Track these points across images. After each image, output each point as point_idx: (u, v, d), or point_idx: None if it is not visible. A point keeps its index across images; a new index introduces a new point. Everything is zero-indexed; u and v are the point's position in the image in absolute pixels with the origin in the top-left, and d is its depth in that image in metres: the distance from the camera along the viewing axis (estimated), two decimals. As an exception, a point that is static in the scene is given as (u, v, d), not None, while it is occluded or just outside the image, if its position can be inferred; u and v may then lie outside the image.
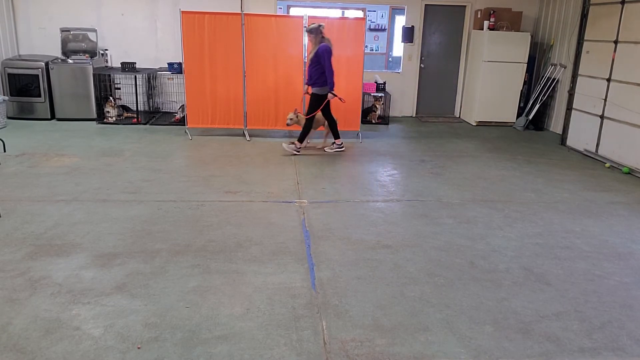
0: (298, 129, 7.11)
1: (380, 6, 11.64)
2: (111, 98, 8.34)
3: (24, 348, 2.70)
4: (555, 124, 8.93)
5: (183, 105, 8.20)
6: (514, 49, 8.89)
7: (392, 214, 4.81)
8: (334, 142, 7.06)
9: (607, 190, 5.79)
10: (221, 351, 2.74)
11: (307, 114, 6.81)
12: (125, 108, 8.69)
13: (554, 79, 8.88)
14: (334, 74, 6.57)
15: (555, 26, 9.08)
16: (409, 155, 7.03)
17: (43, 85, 8.19)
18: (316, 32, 6.48)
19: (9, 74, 8.13)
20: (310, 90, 6.73)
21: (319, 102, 6.69)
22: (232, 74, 7.49)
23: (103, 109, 8.37)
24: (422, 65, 9.89)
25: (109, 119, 8.32)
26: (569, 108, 7.94)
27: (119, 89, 8.75)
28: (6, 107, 7.97)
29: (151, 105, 8.97)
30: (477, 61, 9.20)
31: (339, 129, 7.31)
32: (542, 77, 9.12)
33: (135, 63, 8.51)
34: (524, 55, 8.95)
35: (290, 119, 6.88)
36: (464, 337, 2.93)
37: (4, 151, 6.43)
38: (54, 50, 8.69)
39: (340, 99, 6.74)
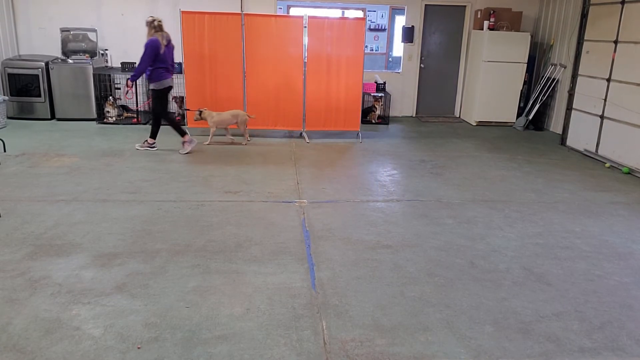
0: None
1: (380, 6, 11.63)
2: (111, 97, 8.33)
3: (24, 348, 2.70)
4: (555, 124, 8.93)
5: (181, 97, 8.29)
6: (514, 49, 8.89)
7: (392, 214, 4.81)
8: (146, 140, 6.78)
9: (607, 190, 5.79)
10: (221, 351, 2.74)
11: (159, 112, 6.66)
12: (125, 108, 8.69)
13: (554, 79, 8.88)
14: (145, 70, 6.33)
15: (555, 26, 9.08)
16: (409, 155, 7.03)
17: (43, 85, 8.19)
18: (149, 25, 6.32)
19: (9, 74, 8.13)
20: (130, 84, 6.57)
21: (160, 97, 6.53)
22: (232, 74, 7.49)
23: (103, 109, 8.37)
24: (422, 65, 9.89)
25: (109, 118, 8.32)
26: (569, 108, 7.94)
27: (119, 89, 8.75)
28: (6, 107, 7.97)
29: (151, 105, 8.96)
30: (477, 61, 9.20)
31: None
32: (542, 77, 9.12)
33: (135, 63, 8.49)
34: (524, 55, 8.95)
35: (195, 115, 7.12)
36: (464, 337, 2.93)
37: (4, 151, 6.42)
38: (54, 50, 8.69)
39: (127, 92, 6.61)
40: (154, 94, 6.55)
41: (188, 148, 6.70)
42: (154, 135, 6.77)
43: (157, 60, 6.33)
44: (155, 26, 6.31)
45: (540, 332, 3.02)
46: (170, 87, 6.64)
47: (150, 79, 6.47)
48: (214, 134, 7.28)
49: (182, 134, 6.71)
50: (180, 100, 8.40)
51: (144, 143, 6.78)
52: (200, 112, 7.10)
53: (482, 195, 5.44)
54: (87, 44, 8.65)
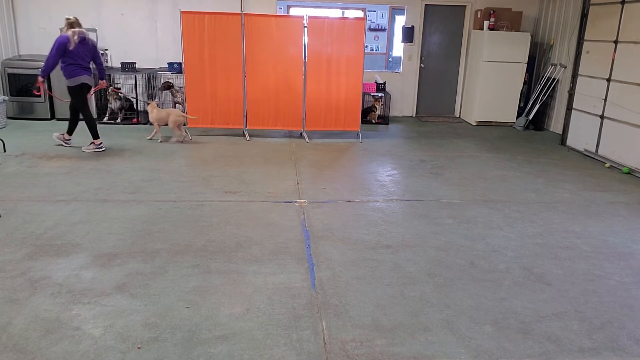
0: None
1: (380, 6, 11.64)
2: (110, 89, 8.24)
3: (24, 348, 2.70)
4: (555, 124, 8.93)
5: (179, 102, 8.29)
6: (514, 49, 8.89)
7: (392, 214, 4.81)
8: (63, 134, 6.77)
9: (607, 190, 5.79)
10: (221, 351, 2.74)
11: (77, 108, 6.63)
12: (126, 99, 8.60)
13: (554, 79, 8.88)
14: (51, 65, 6.30)
15: (555, 26, 9.08)
16: (409, 155, 7.03)
17: (43, 85, 8.16)
18: (65, 22, 6.37)
19: (9, 74, 8.13)
20: (40, 80, 6.42)
21: (78, 94, 6.47)
22: (232, 74, 7.49)
23: (105, 108, 8.38)
24: (422, 65, 9.89)
25: (110, 109, 8.35)
26: (569, 108, 7.94)
27: (119, 88, 8.75)
28: (6, 107, 7.97)
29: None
30: (477, 61, 9.19)
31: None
32: (542, 77, 9.12)
33: (135, 63, 8.51)
34: (524, 55, 8.95)
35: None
36: (464, 337, 2.93)
37: (4, 151, 6.42)
38: (54, 50, 8.67)
39: (38, 89, 6.49)
40: (69, 90, 6.49)
41: (91, 149, 6.62)
42: (70, 131, 6.73)
43: (66, 56, 6.31)
44: (67, 23, 6.35)
45: (540, 332, 3.02)
46: (86, 84, 6.50)
47: (64, 76, 6.46)
48: (158, 130, 7.29)
49: (95, 136, 6.64)
50: (167, 86, 8.36)
51: (60, 135, 6.78)
52: (148, 103, 7.31)
53: (482, 195, 5.44)
54: (87, 44, 8.63)
